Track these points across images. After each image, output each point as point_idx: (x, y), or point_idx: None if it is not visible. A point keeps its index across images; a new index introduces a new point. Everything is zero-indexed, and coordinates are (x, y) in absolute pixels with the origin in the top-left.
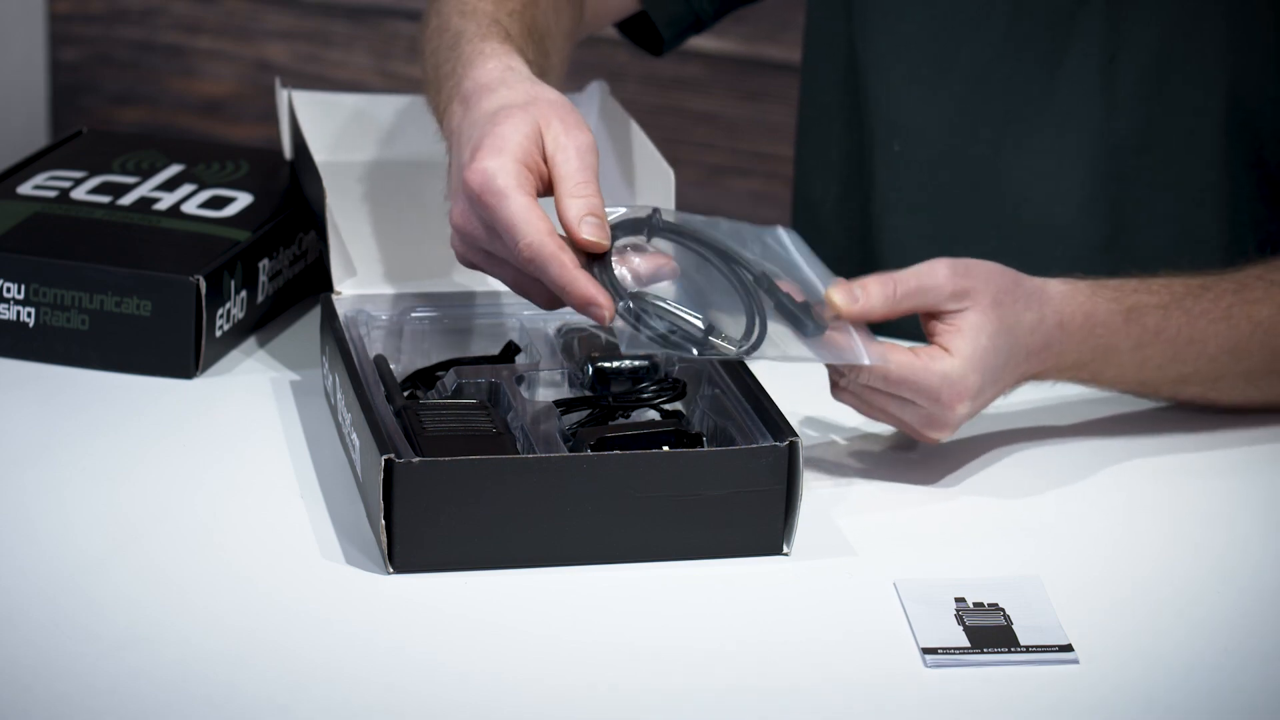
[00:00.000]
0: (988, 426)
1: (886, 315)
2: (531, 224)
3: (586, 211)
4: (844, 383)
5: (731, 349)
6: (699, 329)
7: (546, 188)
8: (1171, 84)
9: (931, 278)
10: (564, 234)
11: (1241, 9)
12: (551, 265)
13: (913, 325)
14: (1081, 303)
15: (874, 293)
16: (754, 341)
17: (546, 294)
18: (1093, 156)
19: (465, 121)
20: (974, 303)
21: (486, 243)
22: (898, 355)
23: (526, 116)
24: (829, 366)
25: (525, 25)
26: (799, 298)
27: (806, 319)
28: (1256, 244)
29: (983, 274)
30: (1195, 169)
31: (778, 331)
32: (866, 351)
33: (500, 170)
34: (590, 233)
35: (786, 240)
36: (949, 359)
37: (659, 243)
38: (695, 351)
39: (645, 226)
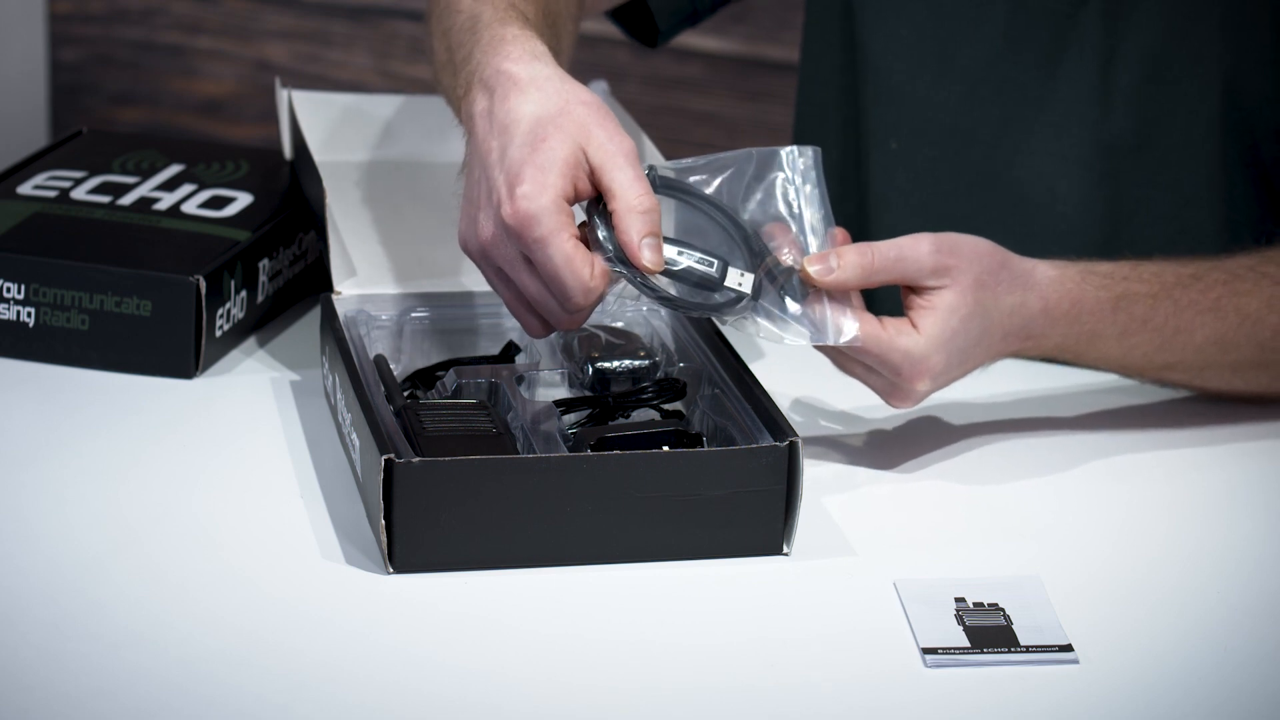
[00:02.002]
0: (988, 426)
1: (862, 285)
2: (576, 277)
3: (646, 232)
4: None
5: (746, 291)
6: (713, 275)
7: (591, 192)
8: (1168, 84)
9: (913, 250)
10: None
11: (1239, 10)
12: (593, 309)
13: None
14: (1070, 289)
15: (850, 263)
16: (754, 291)
17: (542, 326)
18: (1090, 155)
19: (494, 126)
20: (953, 282)
21: (511, 267)
22: (865, 325)
23: (564, 137)
24: None
25: (539, 9)
26: (788, 260)
27: (790, 285)
28: (1252, 243)
29: (969, 253)
30: (1191, 168)
31: (767, 293)
32: (834, 324)
33: (543, 213)
34: (649, 259)
35: (800, 171)
36: (914, 336)
37: (660, 199)
38: (710, 297)
39: None
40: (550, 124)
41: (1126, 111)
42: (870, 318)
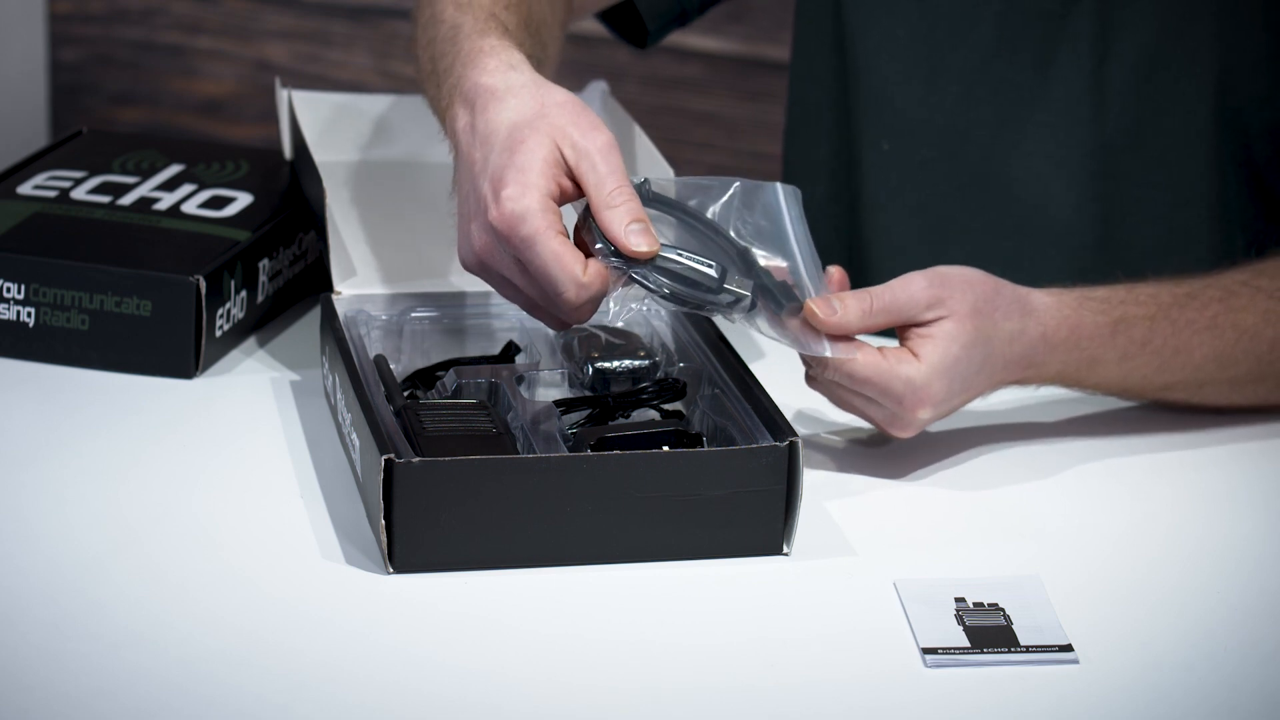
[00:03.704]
0: (987, 426)
1: (862, 330)
2: (566, 272)
3: (630, 219)
4: (814, 373)
5: (746, 293)
6: (713, 276)
7: (576, 194)
8: (1162, 83)
9: (905, 292)
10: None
11: (1232, 9)
12: (594, 304)
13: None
14: (1068, 315)
15: (851, 308)
16: (752, 299)
17: (560, 324)
18: (1084, 156)
19: (476, 138)
20: (950, 311)
21: (509, 272)
22: (865, 355)
23: (541, 138)
24: (803, 357)
25: (521, 18)
26: (778, 276)
27: (783, 298)
28: (1245, 242)
29: (960, 282)
30: (1185, 168)
31: (763, 306)
32: (831, 345)
33: (528, 213)
34: (638, 242)
35: (784, 205)
36: (915, 365)
37: (650, 212)
38: (712, 296)
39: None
40: (526, 127)
41: (1121, 111)
42: (869, 347)
